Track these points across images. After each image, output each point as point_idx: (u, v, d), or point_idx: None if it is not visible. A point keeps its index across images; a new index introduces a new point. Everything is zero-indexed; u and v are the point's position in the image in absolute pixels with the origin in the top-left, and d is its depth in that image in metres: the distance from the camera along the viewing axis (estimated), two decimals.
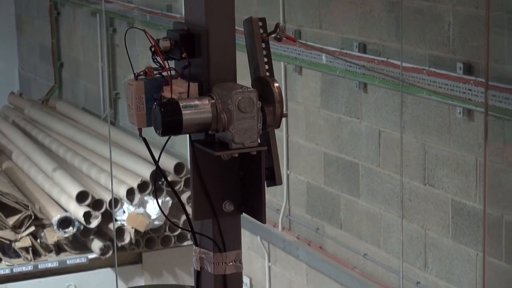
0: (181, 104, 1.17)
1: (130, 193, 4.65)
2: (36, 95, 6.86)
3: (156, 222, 4.64)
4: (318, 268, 4.31)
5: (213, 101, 1.18)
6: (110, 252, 4.55)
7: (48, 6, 6.47)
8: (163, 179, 4.58)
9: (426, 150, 3.65)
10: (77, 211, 4.54)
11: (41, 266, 4.49)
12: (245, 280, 4.87)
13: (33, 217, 4.61)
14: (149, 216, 4.64)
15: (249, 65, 1.30)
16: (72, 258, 4.59)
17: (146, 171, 4.76)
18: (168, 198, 4.68)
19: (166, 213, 4.57)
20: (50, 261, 4.55)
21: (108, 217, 4.65)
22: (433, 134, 3.59)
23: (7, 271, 4.46)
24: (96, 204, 4.63)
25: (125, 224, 4.66)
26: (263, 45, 1.27)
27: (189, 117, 1.17)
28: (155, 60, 1.26)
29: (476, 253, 3.38)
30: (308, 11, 4.36)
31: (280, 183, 1.26)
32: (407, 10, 3.70)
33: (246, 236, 4.73)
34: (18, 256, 4.53)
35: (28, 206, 4.65)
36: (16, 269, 4.47)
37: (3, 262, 4.49)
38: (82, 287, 4.63)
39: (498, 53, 3.26)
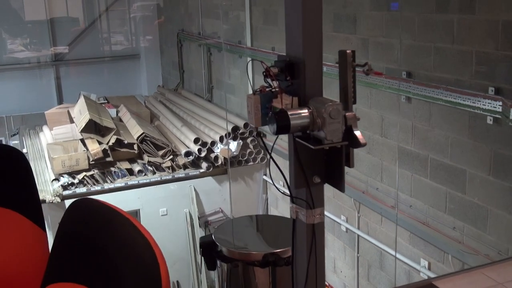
0: (289, 113, 1.59)
1: (221, 139, 7.24)
2: (171, 86, 10.60)
3: (235, 153, 7.23)
4: None
5: (310, 110, 1.60)
6: (211, 168, 7.20)
7: (176, 41, 10.28)
8: (239, 131, 7.34)
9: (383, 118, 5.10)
10: (194, 148, 7.17)
11: (176, 176, 7.19)
12: (280, 182, 6.49)
13: (171, 151, 7.31)
14: (231, 150, 7.17)
15: (339, 83, 1.69)
16: (192, 171, 7.27)
17: (229, 126, 7.31)
18: (240, 141, 7.33)
19: (239, 149, 7.27)
20: (180, 173, 7.22)
21: (209, 151, 7.24)
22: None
23: (158, 179, 7.10)
24: (204, 144, 7.22)
25: (219, 154, 7.19)
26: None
27: (294, 122, 1.59)
28: (266, 81, 1.68)
29: (411, 174, 4.86)
30: None
31: (353, 166, 1.68)
32: None
33: (281, 161, 5.88)
34: (164, 171, 7.16)
35: (168, 145, 7.34)
36: (163, 178, 7.13)
37: (156, 174, 7.12)
38: (197, 186, 7.29)
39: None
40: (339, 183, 1.65)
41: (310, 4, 1.56)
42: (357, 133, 1.60)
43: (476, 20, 4.08)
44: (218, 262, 2.17)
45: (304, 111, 1.59)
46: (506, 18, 3.85)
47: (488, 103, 4.03)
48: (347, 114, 1.60)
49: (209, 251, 2.15)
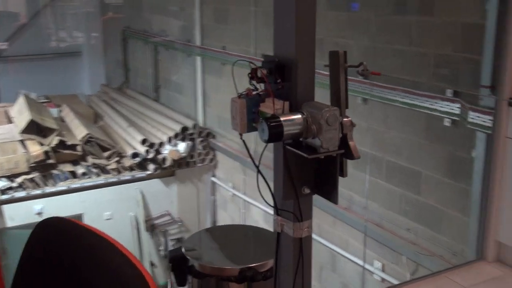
0: (282, 119, 1.44)
1: (169, 139, 7.05)
2: (115, 85, 10.23)
3: (183, 154, 7.06)
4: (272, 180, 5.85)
5: (304, 116, 1.46)
6: (158, 170, 7.01)
7: (121, 38, 10.01)
8: (187, 131, 7.18)
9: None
10: (141, 149, 6.95)
11: (122, 178, 6.96)
12: (230, 184, 6.99)
13: (117, 152, 7.05)
14: (179, 151, 7.01)
15: (330, 86, 1.56)
16: (138, 173, 7.03)
17: (177, 127, 7.19)
18: (189, 142, 7.16)
19: (187, 151, 7.08)
20: (127, 175, 6.98)
21: (157, 152, 7.01)
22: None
23: (103, 181, 6.83)
24: (151, 145, 7.02)
25: (167, 155, 6.99)
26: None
27: (288, 129, 1.44)
28: (251, 83, 1.52)
29: (366, 176, 4.80)
30: (269, 41, 5.30)
31: (347, 175, 1.56)
32: None
33: (231, 162, 6.87)
34: (109, 173, 6.89)
35: (114, 146, 7.12)
36: (108, 180, 6.87)
37: (101, 176, 6.85)
38: (144, 189, 7.10)
39: None
40: (331, 194, 1.53)
41: (304, 3, 1.42)
42: (351, 143, 1.47)
43: (435, 23, 4.06)
44: (189, 277, 2.00)
45: (298, 117, 1.45)
46: (465, 21, 3.84)
47: (446, 105, 4.03)
48: (343, 120, 1.47)
49: (180, 266, 1.98)
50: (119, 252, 1.10)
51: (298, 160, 1.52)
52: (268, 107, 1.50)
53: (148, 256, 7.11)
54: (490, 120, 3.58)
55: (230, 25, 6.73)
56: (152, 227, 7.22)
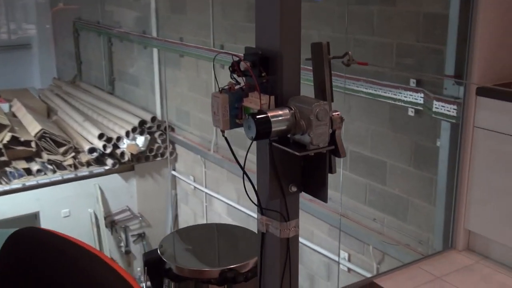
0: (269, 115, 1.35)
1: (127, 133, 6.84)
2: (68, 78, 9.96)
3: (142, 148, 6.89)
4: (235, 172, 5.85)
5: (292, 111, 1.38)
6: (117, 165, 6.79)
7: (72, 30, 9.66)
8: (146, 125, 6.96)
9: None
10: (99, 144, 6.72)
11: (79, 174, 6.73)
12: (191, 177, 6.92)
13: (73, 148, 6.86)
14: (138, 145, 6.84)
15: (314, 79, 1.49)
16: (96, 169, 6.82)
17: (135, 121, 6.98)
18: (147, 135, 6.95)
19: (146, 144, 6.89)
20: (84, 171, 6.76)
21: (115, 147, 6.83)
22: None
23: (59, 178, 6.60)
24: (109, 139, 6.80)
25: (125, 149, 6.80)
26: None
27: (276, 126, 1.36)
28: (232, 77, 1.43)
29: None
30: (228, 32, 5.77)
31: (335, 171, 1.48)
32: None
33: (191, 155, 6.84)
34: (65, 169, 6.66)
35: (70, 142, 6.88)
36: (65, 177, 6.64)
37: (57, 172, 6.60)
38: (102, 185, 6.89)
39: None
40: (320, 192, 1.46)
41: None
42: (338, 141, 1.40)
43: (397, 12, 4.05)
44: (165, 280, 1.91)
45: (285, 112, 1.37)
46: (427, 11, 3.84)
47: (410, 95, 4.02)
48: (333, 115, 1.40)
49: (156, 269, 1.88)
50: (106, 265, 1.00)
51: (285, 157, 1.44)
52: (252, 102, 1.41)
53: (109, 253, 6.93)
54: (454, 109, 3.59)
55: (188, 16, 6.58)
56: (112, 224, 7.04)
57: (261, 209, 1.57)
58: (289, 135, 1.40)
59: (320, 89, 1.49)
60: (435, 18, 3.79)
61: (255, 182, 1.54)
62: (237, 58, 1.41)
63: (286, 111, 1.38)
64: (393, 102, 4.14)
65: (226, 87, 1.43)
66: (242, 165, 1.49)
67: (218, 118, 1.43)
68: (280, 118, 1.37)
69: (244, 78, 1.46)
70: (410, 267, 3.06)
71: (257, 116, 1.34)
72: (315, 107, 1.34)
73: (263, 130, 1.34)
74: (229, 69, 1.43)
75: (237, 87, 1.43)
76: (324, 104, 1.35)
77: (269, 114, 1.36)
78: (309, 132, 1.35)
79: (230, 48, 5.84)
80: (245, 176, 1.50)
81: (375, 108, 4.35)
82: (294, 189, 1.51)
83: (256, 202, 1.57)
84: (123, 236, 7.13)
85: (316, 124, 1.34)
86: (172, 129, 7.29)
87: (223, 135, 1.47)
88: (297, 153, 1.35)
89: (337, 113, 1.42)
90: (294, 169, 1.49)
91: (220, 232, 2.17)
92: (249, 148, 1.46)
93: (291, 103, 1.39)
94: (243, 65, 1.41)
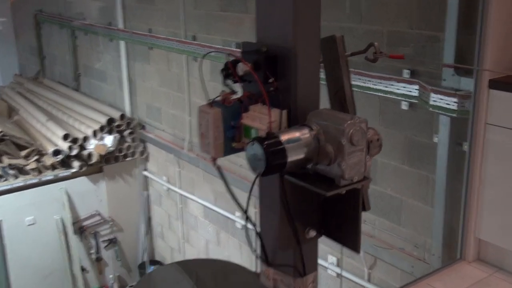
0: (282, 139, 0.93)
1: (94, 133, 6.41)
2: (30, 74, 9.41)
3: (111, 148, 6.46)
4: (211, 172, 5.58)
5: (313, 132, 0.96)
6: (84, 168, 6.36)
7: (34, 23, 9.12)
8: (114, 123, 6.54)
9: None
10: (64, 145, 6.26)
11: (43, 178, 6.25)
12: (165, 178, 6.54)
13: (36, 150, 6.40)
14: (106, 145, 6.41)
15: (328, 85, 1.07)
16: (62, 172, 6.35)
17: (103, 119, 6.54)
18: (117, 134, 6.51)
19: (115, 144, 6.45)
20: (49, 175, 6.27)
21: (81, 148, 6.40)
22: None
23: (22, 184, 6.11)
24: (74, 140, 6.34)
25: (93, 150, 6.35)
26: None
27: (293, 154, 0.94)
28: (225, 83, 1.00)
29: None
30: (200, 22, 5.44)
31: (369, 208, 1.08)
32: None
33: (163, 154, 6.47)
34: (28, 174, 6.20)
35: (33, 144, 6.47)
36: (28, 182, 6.14)
37: (20, 178, 6.13)
38: (69, 189, 6.40)
39: None
40: (350, 238, 1.05)
41: None
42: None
43: None
44: None
45: (304, 133, 0.95)
46: None
47: (403, 87, 3.65)
48: (369, 133, 0.99)
49: None
50: None
51: (300, 194, 1.03)
52: (255, 119, 0.99)
53: (79, 260, 6.46)
54: (455, 102, 3.23)
55: (157, 5, 6.10)
56: (81, 230, 6.56)
57: (266, 258, 1.16)
58: (309, 166, 0.98)
59: (339, 97, 1.07)
60: (430, 1, 3.41)
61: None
62: (233, 57, 0.98)
63: (306, 131, 0.96)
64: (383, 95, 3.76)
65: (219, 98, 0.99)
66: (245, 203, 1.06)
67: (208, 141, 1.01)
68: (298, 142, 0.95)
69: (241, 84, 1.04)
70: (418, 284, 2.70)
71: (266, 142, 0.91)
72: (348, 126, 0.92)
73: (275, 161, 0.91)
74: (221, 73, 1.00)
75: (233, 98, 1.00)
76: (360, 121, 0.94)
77: (282, 138, 0.94)
78: (340, 162, 0.93)
79: (203, 40, 5.41)
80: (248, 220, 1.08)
81: (363, 102, 3.97)
82: (312, 233, 1.10)
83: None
84: (93, 242, 6.66)
85: (349, 151, 0.93)
86: (143, 127, 6.82)
87: (214, 165, 1.04)
88: (325, 193, 0.93)
89: (373, 130, 1.00)
90: (312, 208, 1.08)
91: (214, 269, 1.75)
92: (255, 180, 1.03)
93: (311, 120, 0.97)
94: (242, 67, 0.98)
